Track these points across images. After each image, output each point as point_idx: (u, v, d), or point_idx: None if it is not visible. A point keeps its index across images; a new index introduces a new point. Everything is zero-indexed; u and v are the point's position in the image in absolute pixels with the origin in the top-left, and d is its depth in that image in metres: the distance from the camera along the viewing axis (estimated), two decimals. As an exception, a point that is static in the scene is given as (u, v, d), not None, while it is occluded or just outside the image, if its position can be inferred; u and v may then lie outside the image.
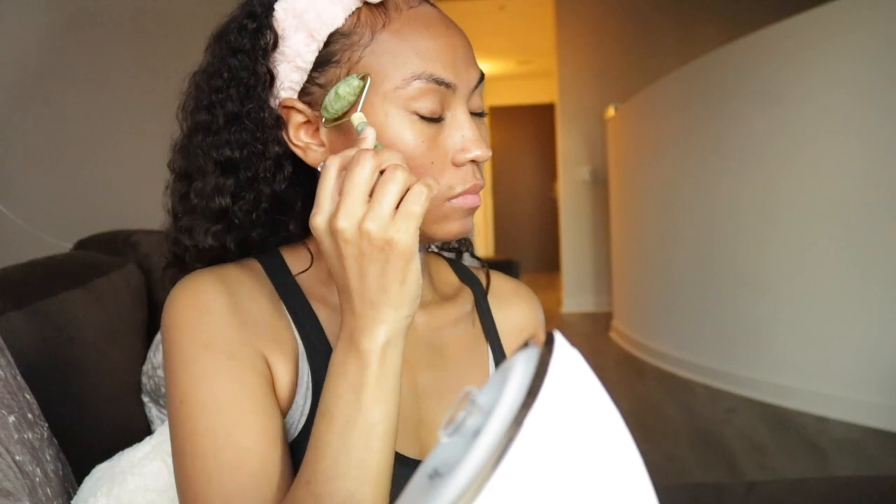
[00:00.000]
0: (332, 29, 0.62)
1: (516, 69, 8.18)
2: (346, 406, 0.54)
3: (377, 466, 0.54)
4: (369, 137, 0.57)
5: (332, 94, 0.59)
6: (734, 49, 3.46)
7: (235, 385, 0.59)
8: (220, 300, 0.61)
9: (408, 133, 0.60)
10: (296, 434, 0.62)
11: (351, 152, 0.55)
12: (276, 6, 0.63)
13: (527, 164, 8.90)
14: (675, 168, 3.95)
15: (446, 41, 0.62)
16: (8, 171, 1.60)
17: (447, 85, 0.61)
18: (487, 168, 8.78)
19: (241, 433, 0.57)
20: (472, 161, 0.63)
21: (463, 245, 0.81)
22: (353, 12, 0.62)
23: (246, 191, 0.65)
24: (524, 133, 8.86)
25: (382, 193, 0.52)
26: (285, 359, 0.63)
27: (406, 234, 0.52)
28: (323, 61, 0.62)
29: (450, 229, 0.64)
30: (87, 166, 1.86)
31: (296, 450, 0.62)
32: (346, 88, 0.59)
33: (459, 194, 0.63)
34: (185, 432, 0.58)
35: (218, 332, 0.60)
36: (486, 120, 0.67)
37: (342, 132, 0.62)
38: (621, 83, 5.46)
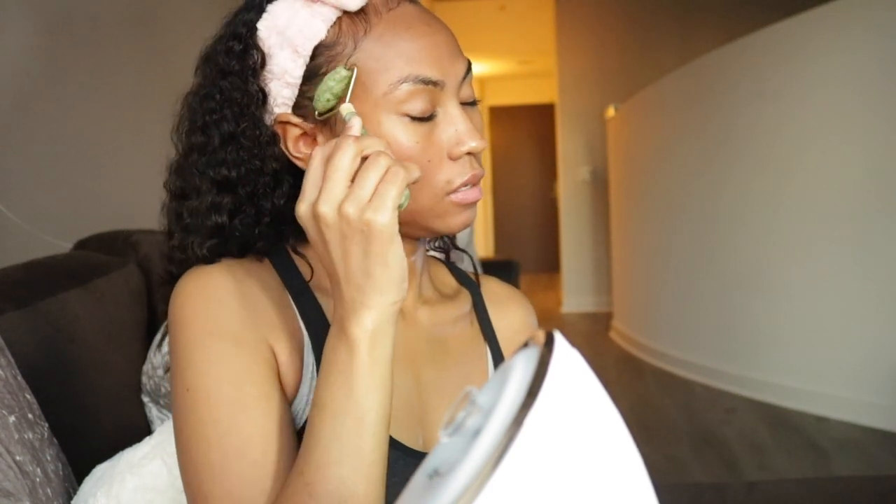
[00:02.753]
0: (315, 42, 0.62)
1: (516, 69, 8.18)
2: (338, 393, 0.54)
3: (370, 454, 0.54)
4: (355, 126, 0.57)
5: (321, 86, 0.60)
6: (734, 49, 3.46)
7: (240, 372, 0.59)
8: (227, 288, 0.62)
9: (402, 136, 0.61)
10: (301, 423, 0.63)
11: (336, 140, 0.56)
12: (259, 25, 0.63)
13: (527, 164, 8.90)
14: (676, 168, 3.95)
15: (428, 40, 0.62)
16: (8, 171, 1.60)
17: (434, 83, 0.61)
18: (487, 168, 8.78)
19: (244, 421, 0.58)
20: (468, 153, 0.64)
21: (449, 241, 0.82)
22: (335, 23, 0.62)
23: (247, 205, 0.66)
24: (524, 133, 8.86)
25: (363, 178, 0.52)
26: (291, 349, 0.63)
27: (383, 215, 0.52)
28: (310, 75, 0.63)
29: (452, 223, 0.65)
30: (87, 166, 1.86)
31: (300, 439, 0.62)
32: (333, 80, 0.60)
33: (459, 187, 0.63)
34: (190, 421, 0.59)
35: (224, 319, 0.60)
36: (478, 108, 0.68)
37: (336, 134, 0.63)
38: (621, 83, 5.46)
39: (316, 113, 0.61)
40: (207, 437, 0.58)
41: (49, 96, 1.74)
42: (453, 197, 0.63)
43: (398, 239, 0.53)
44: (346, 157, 0.53)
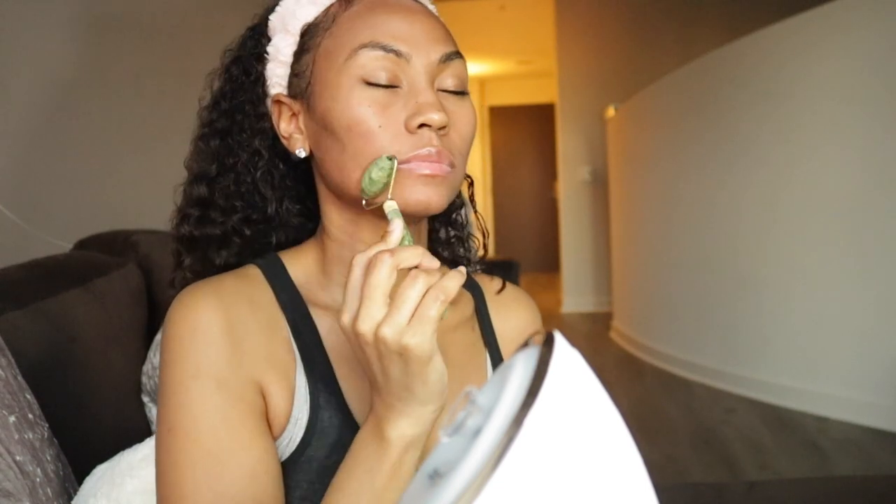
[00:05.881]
0: (303, 22, 0.66)
1: (516, 69, 8.18)
2: (359, 486, 0.55)
3: None
4: (396, 230, 0.56)
5: (366, 178, 0.59)
6: (734, 49, 3.46)
7: (220, 419, 0.59)
8: (215, 321, 0.62)
9: (355, 98, 0.61)
10: (293, 448, 0.63)
11: (376, 250, 0.54)
12: (271, 16, 0.69)
13: (527, 164, 8.90)
14: (676, 168, 3.95)
15: (402, 16, 0.63)
16: (8, 171, 1.60)
17: (396, 52, 0.61)
18: (488, 168, 8.78)
19: (219, 474, 0.58)
20: (427, 126, 0.61)
21: (471, 259, 0.81)
22: (326, 7, 0.66)
23: (229, 171, 0.70)
24: (524, 133, 8.86)
25: (401, 299, 0.51)
26: (281, 378, 0.63)
27: (422, 339, 0.51)
28: (299, 53, 0.67)
29: (406, 198, 0.60)
30: (87, 166, 1.86)
31: (291, 465, 0.62)
32: (377, 172, 0.59)
33: (410, 159, 0.60)
34: (168, 462, 0.59)
35: (209, 358, 0.60)
36: (467, 101, 0.66)
37: (318, 121, 0.64)
38: (621, 83, 5.46)
39: (364, 202, 0.61)
40: (183, 482, 0.58)
41: (50, 98, 1.74)
42: (404, 166, 0.60)
43: (437, 357, 0.53)
44: (382, 275, 0.52)
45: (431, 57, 0.63)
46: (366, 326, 0.52)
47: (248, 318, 0.63)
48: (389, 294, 0.52)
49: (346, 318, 0.54)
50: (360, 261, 0.54)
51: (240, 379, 0.61)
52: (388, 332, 0.51)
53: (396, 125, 0.61)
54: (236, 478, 0.58)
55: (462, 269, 0.53)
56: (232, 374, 0.61)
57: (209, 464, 0.58)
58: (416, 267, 0.52)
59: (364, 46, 0.61)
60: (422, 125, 0.61)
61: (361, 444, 0.56)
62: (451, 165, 0.62)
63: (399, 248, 0.54)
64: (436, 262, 0.53)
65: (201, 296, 0.62)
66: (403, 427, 0.54)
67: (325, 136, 0.63)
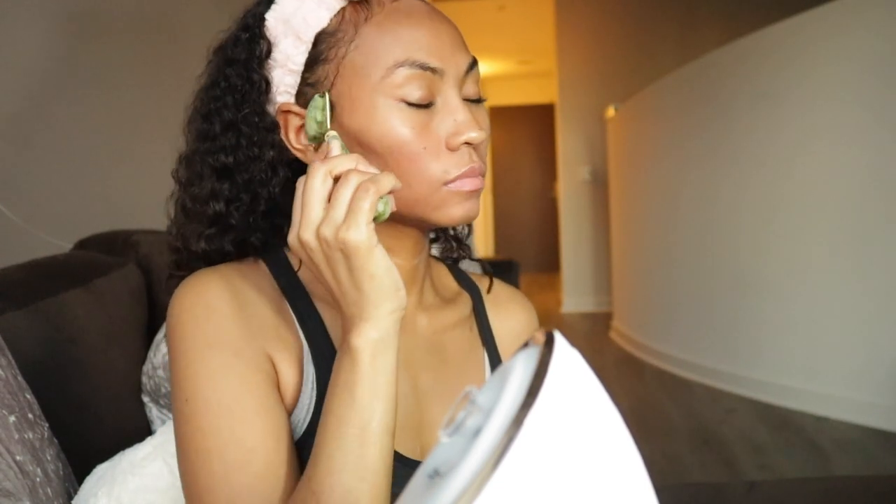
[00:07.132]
0: (317, 29, 0.63)
1: (516, 69, 8.18)
2: (341, 403, 0.55)
3: (374, 464, 0.55)
4: (334, 148, 0.58)
5: (312, 124, 0.62)
6: (734, 49, 3.46)
7: (240, 384, 0.59)
8: (225, 298, 0.62)
9: (396, 120, 0.61)
10: (301, 433, 0.62)
11: None
12: (267, 16, 0.64)
13: (527, 164, 8.90)
14: (676, 168, 3.95)
15: (428, 28, 0.63)
16: (8, 171, 1.60)
17: (433, 70, 0.61)
18: (487, 168, 8.77)
19: (246, 433, 0.58)
20: (468, 144, 0.63)
21: (462, 250, 0.81)
22: (338, 12, 0.63)
23: (242, 193, 0.66)
24: (524, 133, 8.86)
25: (335, 198, 0.54)
26: (290, 359, 0.63)
27: (356, 232, 0.52)
28: (312, 61, 0.64)
29: (452, 214, 0.63)
30: (87, 166, 1.86)
31: (301, 448, 0.62)
32: (314, 109, 0.61)
33: (456, 178, 0.62)
34: (190, 430, 0.59)
35: (223, 330, 0.60)
36: (483, 106, 0.67)
37: (351, 138, 0.63)
38: (621, 83, 5.46)
39: (313, 148, 0.63)
40: (208, 447, 0.58)
41: (50, 97, 1.74)
42: (451, 186, 0.62)
43: (379, 250, 0.54)
44: (316, 180, 0.54)
45: (460, 68, 0.63)
46: (308, 233, 0.54)
47: (256, 301, 0.63)
48: (328, 200, 0.54)
49: (291, 234, 0.56)
50: (301, 180, 0.56)
51: (254, 350, 0.61)
52: (326, 231, 0.53)
53: (437, 144, 0.62)
54: (263, 437, 0.58)
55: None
56: (246, 345, 0.61)
57: (234, 425, 0.58)
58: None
59: (400, 65, 0.60)
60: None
61: (338, 365, 0.57)
62: (483, 175, 0.65)
63: (332, 157, 0.56)
64: (372, 168, 0.56)
65: (209, 278, 0.63)
66: (366, 332, 0.55)
67: (358, 152, 0.62)
